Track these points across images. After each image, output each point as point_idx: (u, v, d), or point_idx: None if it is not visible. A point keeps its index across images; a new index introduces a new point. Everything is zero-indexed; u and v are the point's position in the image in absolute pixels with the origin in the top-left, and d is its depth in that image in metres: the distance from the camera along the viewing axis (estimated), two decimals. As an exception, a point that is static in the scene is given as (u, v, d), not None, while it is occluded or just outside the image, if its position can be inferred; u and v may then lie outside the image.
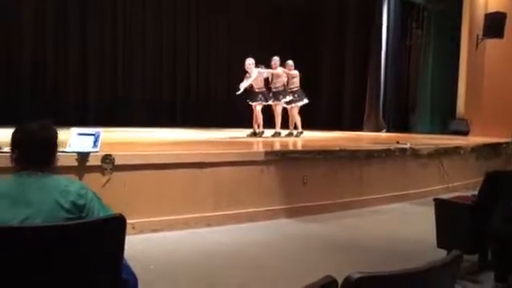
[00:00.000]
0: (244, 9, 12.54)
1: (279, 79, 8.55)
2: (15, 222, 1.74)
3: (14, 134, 1.95)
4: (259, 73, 8.38)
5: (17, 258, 1.63)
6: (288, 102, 8.69)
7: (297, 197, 5.52)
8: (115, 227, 1.78)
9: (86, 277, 1.74)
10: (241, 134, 8.71)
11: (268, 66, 8.59)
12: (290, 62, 8.78)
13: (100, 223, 1.78)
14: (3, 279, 1.62)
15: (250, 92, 8.56)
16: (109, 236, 1.78)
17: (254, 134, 8.57)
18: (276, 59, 8.58)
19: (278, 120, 8.67)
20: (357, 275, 1.11)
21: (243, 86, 8.28)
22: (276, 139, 8.26)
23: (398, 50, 12.08)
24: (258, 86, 8.50)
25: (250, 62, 8.33)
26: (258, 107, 8.53)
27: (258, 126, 8.64)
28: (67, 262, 1.69)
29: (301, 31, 13.05)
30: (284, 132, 8.80)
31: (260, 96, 8.48)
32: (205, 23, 12.47)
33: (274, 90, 8.62)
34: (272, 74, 8.56)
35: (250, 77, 8.29)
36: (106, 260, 1.80)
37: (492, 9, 10.30)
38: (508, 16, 10.07)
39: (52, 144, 1.99)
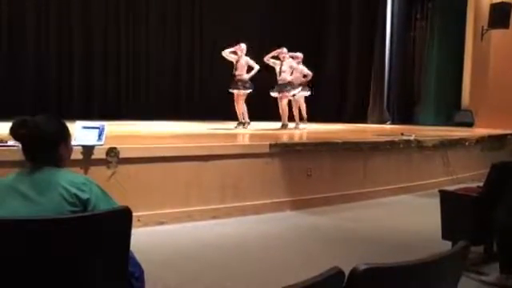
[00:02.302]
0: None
1: (288, 71, 8.53)
2: (22, 216, 1.75)
3: (14, 129, 1.91)
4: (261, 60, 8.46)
5: (23, 250, 1.64)
6: (293, 95, 8.69)
7: (301, 189, 5.53)
8: (121, 220, 1.78)
9: (92, 269, 1.75)
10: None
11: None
12: (300, 55, 8.81)
13: (106, 216, 1.79)
14: (9, 272, 1.63)
15: (231, 79, 8.54)
16: (115, 228, 1.79)
17: (240, 124, 8.53)
18: (285, 51, 8.56)
19: (285, 113, 8.66)
20: (363, 266, 1.11)
21: (226, 54, 8.50)
22: (281, 132, 8.26)
23: (403, 42, 12.01)
24: (239, 72, 8.43)
25: (244, 47, 8.45)
26: (241, 99, 8.48)
27: (244, 117, 8.60)
28: (73, 255, 1.70)
29: (304, 23, 12.98)
30: (291, 124, 8.81)
31: (240, 84, 8.42)
32: (208, 14, 12.42)
33: (280, 81, 8.58)
34: (281, 65, 8.53)
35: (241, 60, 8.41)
36: (113, 252, 1.81)
37: (498, -1, 10.21)
38: (514, 6, 9.99)
39: (53, 137, 1.97)
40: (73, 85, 10.88)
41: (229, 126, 8.61)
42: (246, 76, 8.43)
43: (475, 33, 10.56)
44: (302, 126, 8.86)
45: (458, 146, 7.38)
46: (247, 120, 8.61)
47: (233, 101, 8.63)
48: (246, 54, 8.51)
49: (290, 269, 3.55)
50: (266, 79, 8.99)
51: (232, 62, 8.56)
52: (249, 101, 8.78)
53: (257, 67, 8.42)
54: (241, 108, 8.57)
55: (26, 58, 10.32)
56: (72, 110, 10.26)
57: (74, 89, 10.88)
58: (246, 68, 8.45)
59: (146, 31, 11.76)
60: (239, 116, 8.60)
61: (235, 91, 8.51)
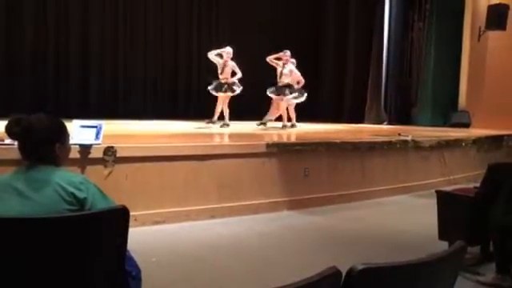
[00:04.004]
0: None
1: (288, 74, 8.54)
2: (18, 214, 1.75)
3: (10, 127, 1.91)
4: (233, 66, 8.43)
5: (20, 248, 1.64)
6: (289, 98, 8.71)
7: (298, 189, 5.53)
8: (118, 219, 1.78)
9: (89, 268, 1.75)
10: (243, 126, 8.69)
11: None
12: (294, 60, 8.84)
13: (103, 215, 1.78)
14: (5, 270, 1.63)
15: (216, 82, 8.49)
16: (112, 228, 1.78)
17: (225, 125, 8.45)
18: (289, 54, 8.56)
19: (284, 114, 8.66)
20: (361, 266, 1.12)
21: (212, 56, 8.40)
22: (278, 131, 8.25)
23: (400, 43, 12.03)
24: (225, 76, 8.40)
25: (230, 52, 8.39)
26: (226, 100, 8.45)
27: (224, 118, 8.53)
28: (70, 254, 1.70)
29: (302, 24, 12.98)
30: (289, 124, 8.82)
31: (226, 87, 8.38)
32: (206, 13, 12.42)
33: (280, 84, 8.59)
34: (283, 68, 8.54)
35: (227, 65, 8.36)
36: (110, 251, 1.81)
37: (495, 0, 10.22)
38: (511, 8, 10.01)
39: (48, 137, 1.96)
40: (70, 84, 10.85)
41: (230, 127, 8.56)
42: (231, 79, 8.42)
43: (472, 34, 10.59)
44: (289, 125, 8.83)
45: (455, 147, 7.39)
46: (227, 122, 8.55)
47: (230, 101, 8.61)
48: (234, 59, 8.50)
49: (286, 268, 3.55)
50: (264, 80, 8.98)
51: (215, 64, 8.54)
52: (246, 101, 8.78)
53: (240, 74, 8.41)
54: (226, 109, 8.53)
55: (23, 57, 10.29)
56: (69, 109, 10.22)
57: (71, 88, 10.85)
58: (231, 72, 8.45)
59: (144, 30, 11.74)
60: (226, 116, 8.55)
61: (221, 94, 8.47)
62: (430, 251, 1.31)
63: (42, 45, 10.55)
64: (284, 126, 8.62)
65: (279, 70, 8.55)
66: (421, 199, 6.08)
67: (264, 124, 8.65)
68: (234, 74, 8.49)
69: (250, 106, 9.11)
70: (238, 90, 8.44)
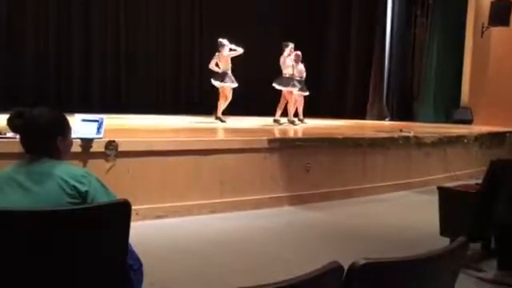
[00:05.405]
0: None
1: (293, 66, 8.54)
2: (20, 207, 1.75)
3: (11, 120, 1.91)
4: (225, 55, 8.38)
5: (21, 242, 1.64)
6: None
7: (300, 184, 5.53)
8: (120, 212, 1.78)
9: (91, 261, 1.75)
10: (245, 121, 8.69)
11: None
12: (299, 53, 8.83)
13: (105, 208, 1.78)
14: (5, 263, 1.63)
15: (215, 72, 8.45)
16: (114, 221, 1.78)
17: (218, 119, 8.39)
18: (292, 46, 8.55)
19: (291, 107, 8.63)
20: (362, 261, 1.11)
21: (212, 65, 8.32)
22: (280, 127, 8.24)
23: (403, 38, 12.00)
24: (224, 67, 8.36)
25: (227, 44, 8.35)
26: (229, 91, 8.37)
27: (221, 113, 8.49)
28: (72, 247, 1.70)
29: (304, 18, 12.95)
30: (283, 120, 8.79)
31: (224, 78, 8.33)
32: (208, 12, 12.39)
33: (286, 75, 8.57)
34: (286, 60, 8.53)
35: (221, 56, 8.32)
36: (111, 245, 1.81)
37: (498, -4, 10.18)
38: (514, 4, 9.97)
39: (50, 130, 1.95)
40: (72, 78, 10.86)
41: (229, 121, 8.56)
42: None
43: (475, 30, 10.56)
44: (297, 122, 8.82)
45: (457, 144, 7.38)
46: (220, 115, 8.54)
47: (233, 95, 8.58)
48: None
49: (287, 264, 3.56)
50: (264, 75, 8.96)
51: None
52: (246, 96, 8.76)
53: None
54: (221, 102, 8.48)
55: (26, 53, 10.29)
56: (71, 103, 10.23)
57: (73, 82, 10.86)
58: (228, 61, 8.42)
59: (146, 24, 11.73)
60: (219, 111, 8.50)
61: (233, 85, 8.43)
62: (432, 247, 1.31)
63: (44, 41, 10.55)
64: (292, 122, 8.58)
65: (287, 62, 8.48)
66: (422, 195, 6.08)
67: (278, 121, 8.54)
68: (217, 65, 8.45)
69: (250, 101, 9.09)
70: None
